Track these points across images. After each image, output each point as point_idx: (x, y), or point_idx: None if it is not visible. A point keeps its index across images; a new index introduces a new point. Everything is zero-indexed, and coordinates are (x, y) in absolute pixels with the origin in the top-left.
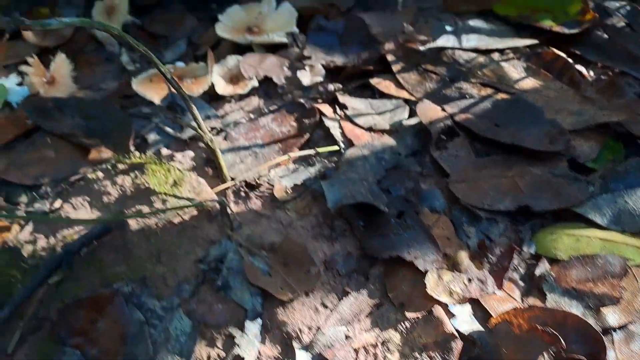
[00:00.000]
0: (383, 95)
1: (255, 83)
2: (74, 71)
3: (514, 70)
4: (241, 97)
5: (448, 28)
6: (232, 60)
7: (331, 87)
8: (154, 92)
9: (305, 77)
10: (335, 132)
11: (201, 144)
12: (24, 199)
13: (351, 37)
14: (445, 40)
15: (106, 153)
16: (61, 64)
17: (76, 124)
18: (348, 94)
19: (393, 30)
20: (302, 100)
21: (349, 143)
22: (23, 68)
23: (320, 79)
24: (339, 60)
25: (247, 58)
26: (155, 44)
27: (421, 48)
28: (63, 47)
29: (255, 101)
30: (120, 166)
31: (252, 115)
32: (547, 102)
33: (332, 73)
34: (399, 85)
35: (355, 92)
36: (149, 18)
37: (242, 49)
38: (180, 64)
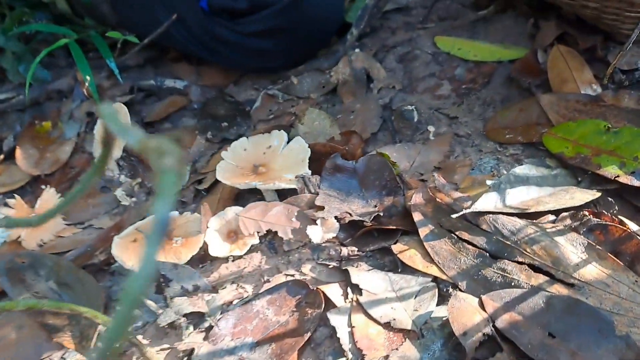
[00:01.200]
0: (406, 268)
1: (255, 241)
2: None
3: (573, 249)
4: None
5: (489, 182)
6: (231, 212)
7: (345, 251)
8: (135, 259)
9: (316, 233)
10: (343, 335)
11: (183, 337)
12: None
13: (373, 179)
14: (486, 202)
15: (68, 343)
16: (49, 201)
17: (49, 289)
18: (365, 261)
19: (423, 167)
20: (306, 278)
21: (359, 353)
22: (3, 210)
23: (333, 234)
24: (357, 209)
25: (249, 210)
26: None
27: (453, 216)
28: (58, 173)
29: (256, 259)
30: None
31: (247, 290)
32: (618, 305)
33: (348, 228)
34: (427, 256)
35: (373, 258)
36: (154, 136)
37: (249, 191)
38: (174, 214)
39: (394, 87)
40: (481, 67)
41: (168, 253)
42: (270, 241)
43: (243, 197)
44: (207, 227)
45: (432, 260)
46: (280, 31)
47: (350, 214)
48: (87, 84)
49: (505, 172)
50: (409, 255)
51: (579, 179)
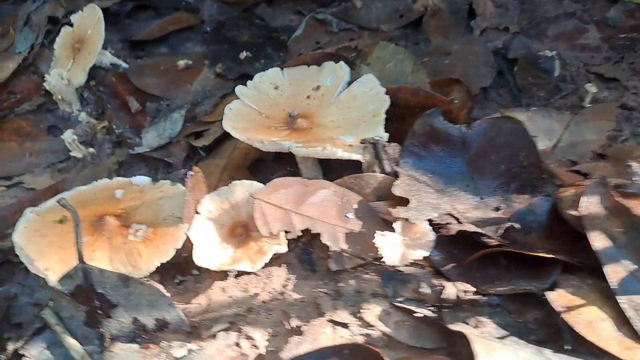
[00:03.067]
0: (582, 343)
1: (281, 247)
2: None
3: None
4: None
5: None
6: (241, 190)
7: (451, 289)
8: (54, 258)
9: (393, 249)
10: None
11: None
12: None
13: (496, 160)
14: None
15: None
16: None
17: None
18: (488, 314)
19: (575, 150)
20: (372, 335)
21: None
22: None
23: (423, 254)
24: (466, 210)
25: (276, 190)
26: (135, 117)
27: None
28: None
29: (278, 281)
30: None
31: (257, 344)
32: None
33: (450, 244)
34: (624, 325)
35: (503, 311)
36: (144, 62)
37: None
38: (142, 181)
39: (506, 29)
40: None
41: (118, 252)
42: (304, 249)
43: (263, 166)
44: (197, 213)
45: (636, 335)
46: None
47: (457, 220)
48: None
49: None
50: (588, 318)
51: None
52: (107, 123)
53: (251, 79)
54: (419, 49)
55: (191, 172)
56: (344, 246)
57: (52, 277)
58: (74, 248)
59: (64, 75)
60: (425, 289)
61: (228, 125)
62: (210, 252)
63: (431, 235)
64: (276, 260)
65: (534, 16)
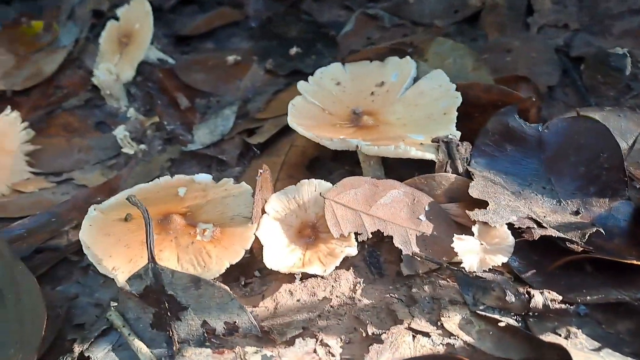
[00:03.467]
0: None
1: (352, 250)
2: (34, 142)
3: None
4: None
5: None
6: (308, 190)
7: (539, 298)
8: (121, 257)
9: (472, 254)
10: None
11: None
12: None
13: (575, 161)
14: None
15: None
16: (7, 131)
17: None
18: (577, 324)
19: None
20: (455, 344)
21: None
22: None
23: (503, 259)
24: (544, 214)
25: (346, 190)
26: (185, 113)
27: None
28: (36, 91)
29: (346, 285)
30: None
31: (333, 351)
32: None
33: (530, 248)
34: None
35: (592, 321)
36: (191, 58)
37: (334, 155)
38: (204, 178)
39: (565, 26)
40: None
41: (185, 252)
42: (370, 252)
43: (321, 164)
44: (265, 213)
45: None
46: None
47: (538, 224)
48: None
49: None
50: None
51: None
52: (158, 119)
53: (303, 75)
54: (475, 46)
55: (261, 170)
56: (417, 250)
57: (121, 277)
58: (140, 247)
59: (112, 70)
60: (511, 297)
61: (294, 122)
62: (279, 254)
63: (510, 240)
64: (343, 262)
65: (595, 13)
